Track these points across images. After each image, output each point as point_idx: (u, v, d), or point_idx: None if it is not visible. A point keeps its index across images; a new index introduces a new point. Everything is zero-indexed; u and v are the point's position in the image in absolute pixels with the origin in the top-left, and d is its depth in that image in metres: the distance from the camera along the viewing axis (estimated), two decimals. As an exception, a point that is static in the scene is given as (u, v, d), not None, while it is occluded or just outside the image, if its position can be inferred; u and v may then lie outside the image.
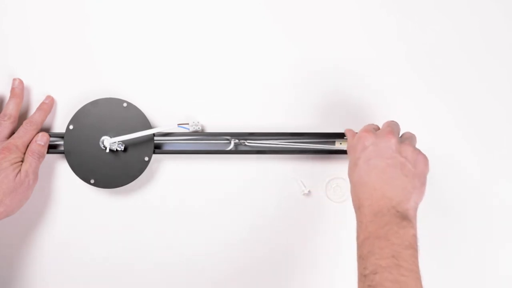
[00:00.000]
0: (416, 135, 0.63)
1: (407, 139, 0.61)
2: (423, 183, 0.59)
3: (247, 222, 0.73)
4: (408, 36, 0.74)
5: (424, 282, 0.53)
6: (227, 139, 0.71)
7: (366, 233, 0.56)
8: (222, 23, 0.73)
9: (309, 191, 0.73)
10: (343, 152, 0.70)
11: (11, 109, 0.69)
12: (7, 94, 0.71)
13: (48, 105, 0.71)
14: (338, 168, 0.72)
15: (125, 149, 0.70)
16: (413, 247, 0.54)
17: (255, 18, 0.74)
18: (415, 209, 0.58)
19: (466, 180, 0.73)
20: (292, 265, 0.73)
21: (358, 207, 0.58)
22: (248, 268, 0.73)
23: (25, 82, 0.71)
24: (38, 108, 0.71)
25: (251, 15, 0.74)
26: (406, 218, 0.55)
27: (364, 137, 0.60)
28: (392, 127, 0.61)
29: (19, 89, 0.70)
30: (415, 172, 0.58)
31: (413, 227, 0.56)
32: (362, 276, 0.54)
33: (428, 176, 0.72)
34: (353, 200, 0.60)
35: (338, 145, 0.71)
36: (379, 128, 0.63)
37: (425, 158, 0.60)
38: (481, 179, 0.73)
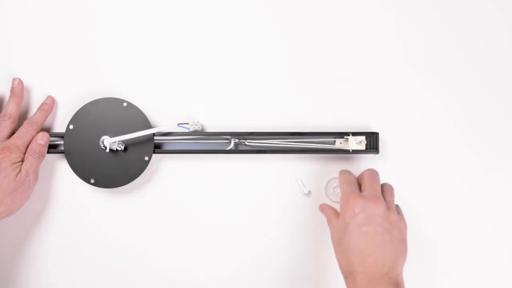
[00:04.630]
0: (393, 187, 0.66)
1: (390, 202, 0.64)
2: (405, 248, 0.62)
3: (247, 222, 0.73)
4: (407, 36, 0.74)
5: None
6: (227, 139, 0.71)
7: None
8: (221, 23, 0.74)
9: (309, 191, 0.73)
10: (343, 152, 0.70)
11: (11, 109, 0.69)
12: (7, 94, 0.71)
13: (49, 105, 0.71)
14: (338, 168, 0.72)
15: (125, 149, 0.70)
16: None
17: (254, 18, 0.74)
18: (402, 273, 0.60)
19: (466, 180, 0.73)
20: (290, 264, 0.73)
21: (350, 273, 0.60)
22: (247, 267, 0.73)
23: (25, 82, 0.71)
24: (39, 109, 0.71)
25: (251, 15, 0.74)
26: (398, 286, 0.58)
27: (353, 204, 0.62)
28: (377, 188, 0.64)
29: (19, 89, 0.70)
30: (399, 238, 0.61)
31: None
32: None
33: (428, 176, 0.73)
34: (342, 265, 0.62)
35: (338, 145, 0.71)
36: (356, 179, 0.66)
37: (405, 224, 0.63)
38: (481, 178, 0.73)
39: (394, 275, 0.58)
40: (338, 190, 0.72)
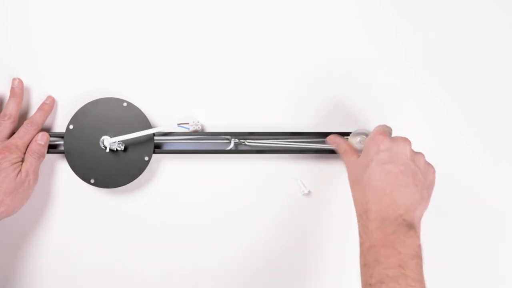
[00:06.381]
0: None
1: (420, 152, 0.60)
2: (429, 195, 0.59)
3: (246, 222, 0.73)
4: (407, 36, 0.74)
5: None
6: (227, 139, 0.71)
7: (372, 240, 0.55)
8: (221, 23, 0.74)
9: (309, 191, 0.73)
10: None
11: (11, 109, 0.69)
12: (7, 94, 0.71)
13: (49, 105, 0.71)
14: (338, 168, 0.72)
15: (125, 149, 0.70)
16: (419, 257, 0.54)
17: (254, 18, 0.74)
18: (420, 219, 0.58)
19: (466, 180, 0.73)
20: (291, 265, 0.73)
21: (364, 211, 0.57)
22: (247, 267, 0.73)
23: (25, 82, 0.71)
24: (39, 109, 0.71)
25: (250, 16, 0.74)
26: (412, 228, 0.55)
27: (380, 140, 0.59)
28: (405, 137, 0.61)
29: (18, 89, 0.70)
30: (424, 183, 0.58)
31: (419, 237, 0.55)
32: (368, 285, 0.54)
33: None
34: (358, 204, 0.59)
35: (338, 144, 0.71)
36: (391, 131, 0.63)
37: (434, 171, 0.60)
38: (482, 179, 0.73)
39: (410, 218, 0.55)
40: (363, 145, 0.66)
